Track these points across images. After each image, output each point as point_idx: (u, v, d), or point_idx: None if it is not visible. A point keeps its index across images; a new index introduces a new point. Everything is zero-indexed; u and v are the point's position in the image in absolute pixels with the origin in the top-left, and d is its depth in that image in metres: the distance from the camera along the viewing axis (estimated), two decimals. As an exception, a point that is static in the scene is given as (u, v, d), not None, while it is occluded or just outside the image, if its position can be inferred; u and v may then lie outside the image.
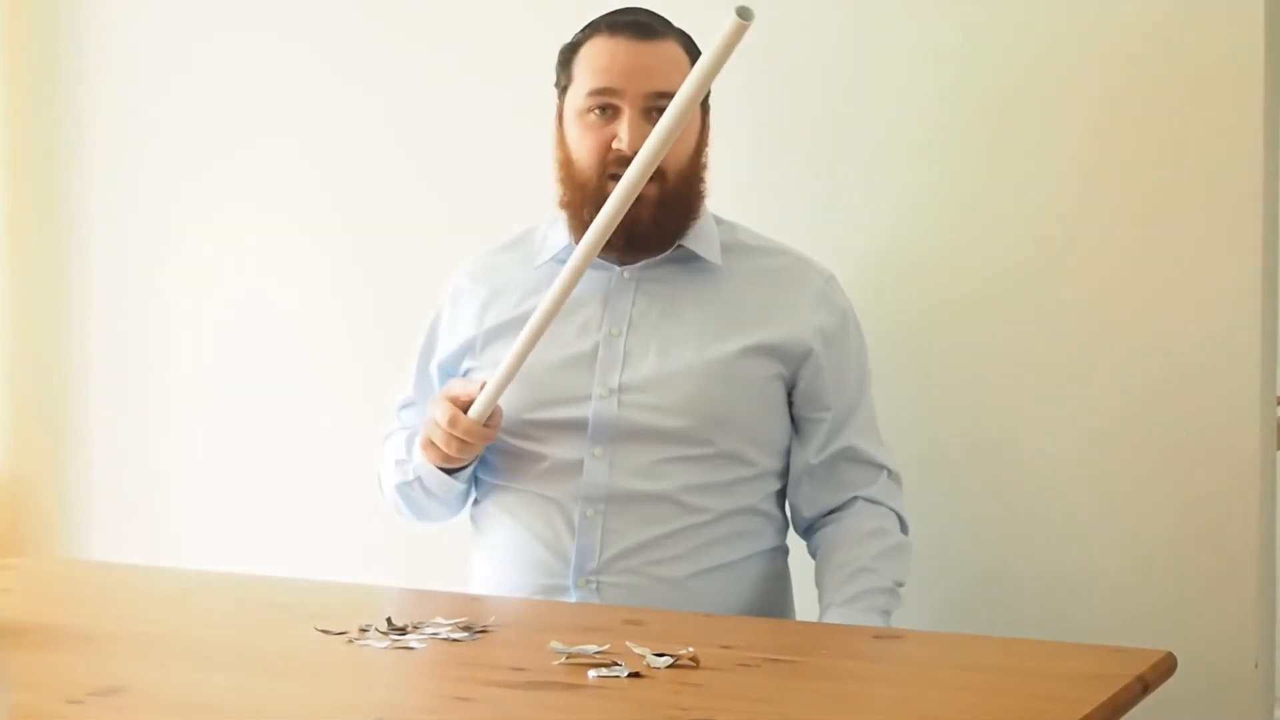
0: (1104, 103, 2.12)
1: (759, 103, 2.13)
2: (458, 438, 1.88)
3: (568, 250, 1.97)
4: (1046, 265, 2.15)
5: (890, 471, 2.00)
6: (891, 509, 1.98)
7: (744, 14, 1.59)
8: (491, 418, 1.89)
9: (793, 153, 2.30)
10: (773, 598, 1.99)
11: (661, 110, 1.88)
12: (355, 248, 2.67)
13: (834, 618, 1.85)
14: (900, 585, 1.91)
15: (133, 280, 2.89)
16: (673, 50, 1.95)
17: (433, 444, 1.91)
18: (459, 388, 1.90)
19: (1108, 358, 2.12)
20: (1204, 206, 2.06)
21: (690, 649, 1.45)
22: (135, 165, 2.88)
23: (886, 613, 1.87)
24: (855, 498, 1.97)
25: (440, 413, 1.89)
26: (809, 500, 1.99)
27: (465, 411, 1.87)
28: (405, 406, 2.14)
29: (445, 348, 2.06)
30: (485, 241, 2.12)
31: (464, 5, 2.58)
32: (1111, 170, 2.12)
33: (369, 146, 2.66)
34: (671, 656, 1.43)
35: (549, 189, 2.06)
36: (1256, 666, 2.05)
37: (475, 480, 2.03)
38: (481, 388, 1.87)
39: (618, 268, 1.97)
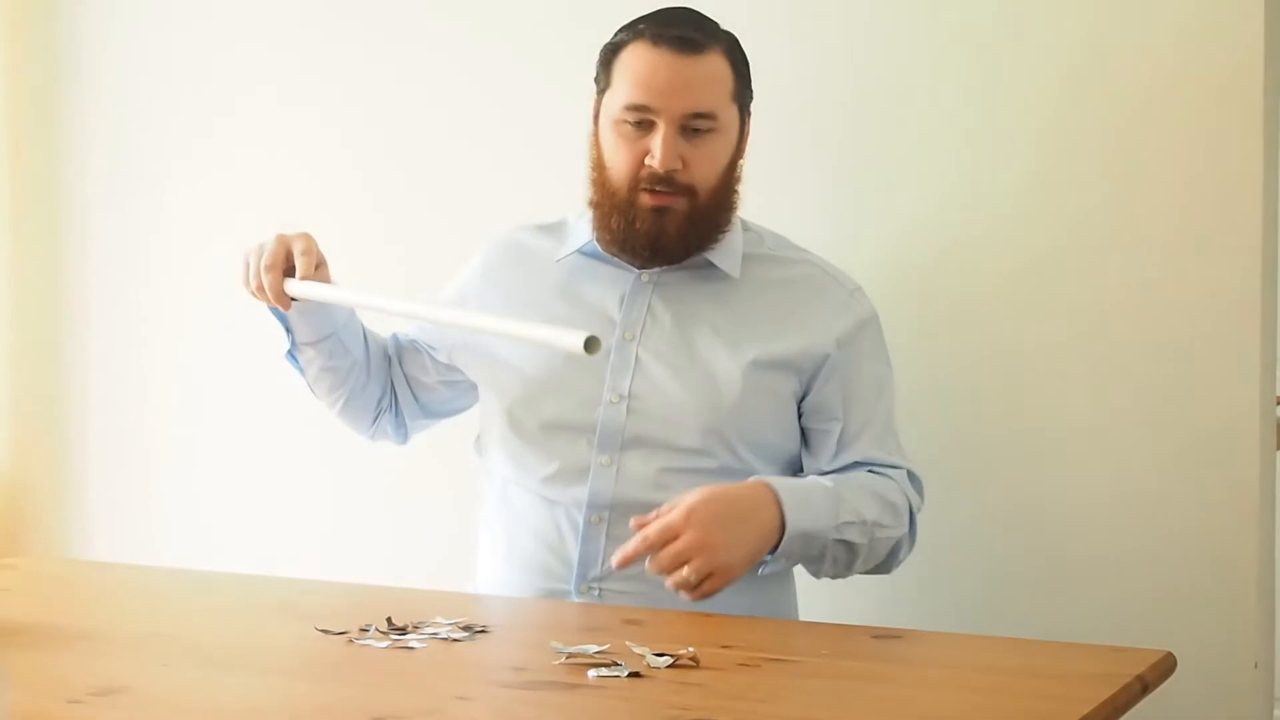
0: (1104, 104, 2.12)
1: (774, 104, 2.12)
2: (258, 278, 1.88)
3: (590, 245, 1.97)
4: (1045, 267, 2.15)
5: (910, 472, 1.95)
6: (904, 495, 1.91)
7: (590, 346, 1.58)
8: (299, 300, 1.89)
9: (808, 152, 2.29)
10: (776, 603, 1.97)
11: (698, 130, 1.88)
12: (356, 248, 2.66)
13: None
14: (879, 527, 1.84)
15: (132, 281, 2.89)
16: (714, 64, 1.90)
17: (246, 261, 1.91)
18: (308, 260, 1.87)
19: (1107, 358, 2.12)
20: (1204, 206, 2.06)
21: (690, 649, 1.45)
22: (134, 165, 2.88)
23: (848, 524, 1.80)
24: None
25: (273, 244, 1.88)
26: None
27: (296, 270, 1.87)
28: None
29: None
30: (485, 242, 2.12)
31: (466, 6, 2.59)
32: (1110, 172, 2.12)
33: (366, 149, 2.65)
34: (671, 656, 1.43)
35: (557, 189, 2.06)
36: (1256, 666, 2.05)
37: (488, 472, 2.02)
38: (319, 282, 1.87)
39: (636, 270, 1.97)
